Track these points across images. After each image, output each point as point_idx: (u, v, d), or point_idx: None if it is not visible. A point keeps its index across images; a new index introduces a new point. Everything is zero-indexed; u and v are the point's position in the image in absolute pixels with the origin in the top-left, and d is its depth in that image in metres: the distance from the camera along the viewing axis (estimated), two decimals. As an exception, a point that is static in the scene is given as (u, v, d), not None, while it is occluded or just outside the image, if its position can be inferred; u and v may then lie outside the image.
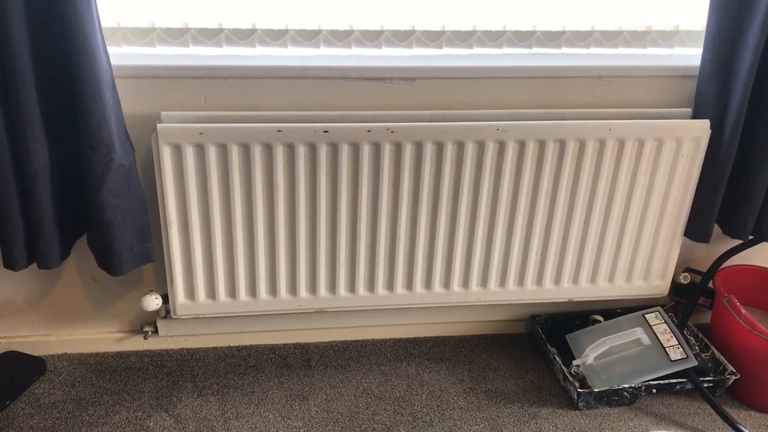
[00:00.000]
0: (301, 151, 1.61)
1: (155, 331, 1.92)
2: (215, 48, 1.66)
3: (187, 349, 1.95)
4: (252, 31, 1.65)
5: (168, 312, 1.87)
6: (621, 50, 1.82)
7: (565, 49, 1.80)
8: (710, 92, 1.72)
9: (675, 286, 2.04)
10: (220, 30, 1.64)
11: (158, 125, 1.54)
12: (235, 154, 1.59)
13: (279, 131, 1.57)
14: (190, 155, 1.58)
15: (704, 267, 2.05)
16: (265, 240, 1.70)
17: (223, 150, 1.58)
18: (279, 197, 1.65)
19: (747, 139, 1.76)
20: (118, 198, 1.56)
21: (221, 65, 1.61)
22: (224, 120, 1.60)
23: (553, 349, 1.92)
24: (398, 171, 1.67)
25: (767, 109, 1.72)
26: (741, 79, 1.66)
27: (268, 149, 1.59)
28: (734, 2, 1.63)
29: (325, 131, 1.59)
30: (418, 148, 1.65)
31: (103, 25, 1.59)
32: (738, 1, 1.62)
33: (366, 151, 1.63)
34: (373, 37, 1.70)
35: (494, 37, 1.75)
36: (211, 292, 1.75)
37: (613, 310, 2.06)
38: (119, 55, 1.61)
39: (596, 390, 1.77)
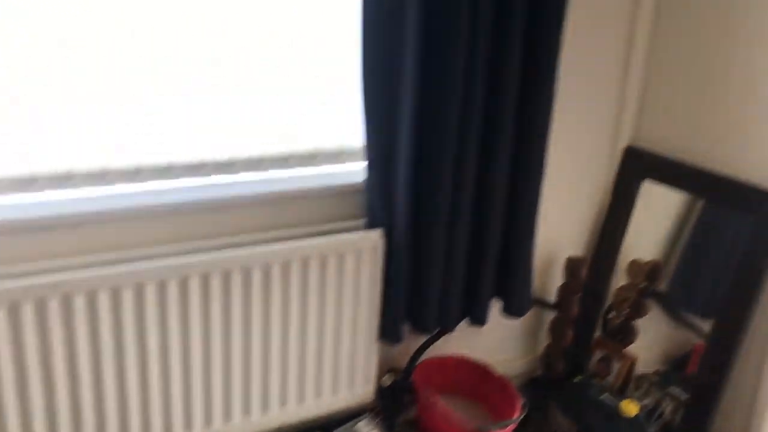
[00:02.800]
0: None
1: None
2: None
3: None
4: None
5: None
6: (294, 172, 1.89)
7: (240, 177, 1.82)
8: (377, 203, 1.85)
9: (381, 388, 2.10)
10: None
11: None
12: None
13: None
14: None
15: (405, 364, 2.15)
16: None
17: None
18: None
19: (417, 240, 1.91)
20: None
21: None
22: None
23: (272, 481, 1.84)
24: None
25: (429, 210, 1.89)
26: (400, 189, 1.82)
27: None
28: (383, 122, 1.79)
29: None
30: (91, 297, 1.52)
31: None
32: (386, 122, 1.79)
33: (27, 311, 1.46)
34: (27, 182, 1.56)
35: (164, 172, 1.71)
36: None
37: (329, 425, 2.05)
38: None
39: None
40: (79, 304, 1.51)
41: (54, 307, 1.49)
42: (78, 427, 1.59)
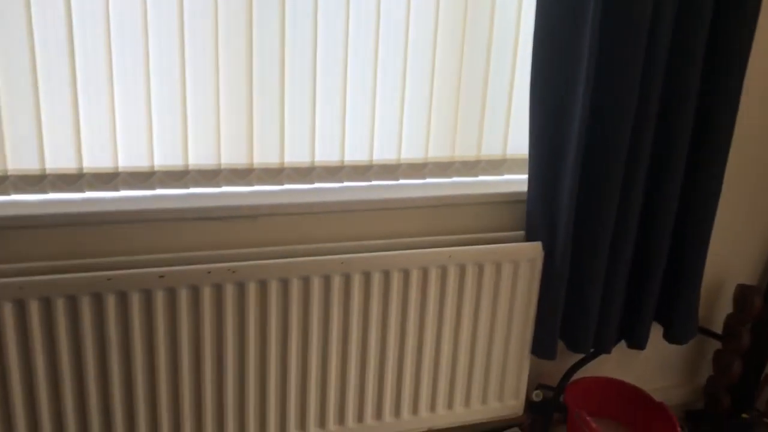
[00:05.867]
0: (135, 299, 1.51)
1: None
2: (39, 194, 1.57)
3: None
4: (79, 176, 1.58)
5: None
6: (455, 179, 1.90)
7: (402, 181, 1.85)
8: (538, 215, 1.82)
9: (530, 403, 2.06)
10: (44, 176, 1.56)
11: (-31, 282, 1.40)
12: (60, 307, 1.47)
13: (109, 279, 1.48)
14: (8, 313, 1.44)
15: (556, 382, 2.09)
16: (97, 402, 1.55)
17: (47, 304, 1.46)
18: (112, 354, 1.53)
19: (577, 256, 1.86)
20: None
21: (41, 213, 1.51)
22: (47, 271, 1.49)
23: (417, 484, 1.85)
24: (242, 312, 1.61)
25: (592, 227, 1.83)
26: (564, 202, 1.78)
27: (98, 299, 1.49)
28: (552, 133, 1.76)
29: (161, 276, 1.52)
30: (263, 286, 1.61)
31: None
32: (554, 134, 1.75)
33: (207, 294, 1.57)
34: (210, 177, 1.68)
35: (333, 172, 1.78)
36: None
37: (474, 435, 2.04)
38: (-75, 207, 1.48)
39: None
40: (230, 291, 1.60)
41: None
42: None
